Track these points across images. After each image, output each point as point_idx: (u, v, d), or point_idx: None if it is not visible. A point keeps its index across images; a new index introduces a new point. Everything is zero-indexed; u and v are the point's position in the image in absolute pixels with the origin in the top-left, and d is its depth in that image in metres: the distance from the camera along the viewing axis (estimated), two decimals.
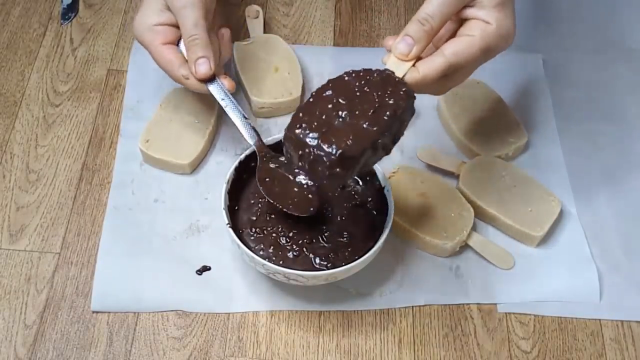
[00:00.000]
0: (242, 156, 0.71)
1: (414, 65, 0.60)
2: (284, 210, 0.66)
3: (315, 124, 0.58)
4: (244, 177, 0.72)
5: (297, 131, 0.58)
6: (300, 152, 0.58)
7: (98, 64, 0.88)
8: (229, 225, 0.67)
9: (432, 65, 0.60)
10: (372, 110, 0.58)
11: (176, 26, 0.70)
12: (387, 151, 0.61)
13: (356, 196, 0.73)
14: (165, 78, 0.86)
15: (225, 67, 0.85)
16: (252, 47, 0.86)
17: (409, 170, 0.78)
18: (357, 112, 0.58)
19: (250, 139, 0.70)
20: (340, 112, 0.58)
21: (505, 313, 0.73)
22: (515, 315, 0.73)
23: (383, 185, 0.71)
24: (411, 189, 0.76)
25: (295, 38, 0.92)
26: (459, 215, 0.75)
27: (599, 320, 0.73)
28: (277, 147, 0.72)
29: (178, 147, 0.78)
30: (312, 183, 0.63)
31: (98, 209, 0.76)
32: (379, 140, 0.58)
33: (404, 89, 0.59)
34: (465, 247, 0.75)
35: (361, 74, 0.60)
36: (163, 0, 0.69)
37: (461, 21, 0.62)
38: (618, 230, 0.78)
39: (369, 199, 0.72)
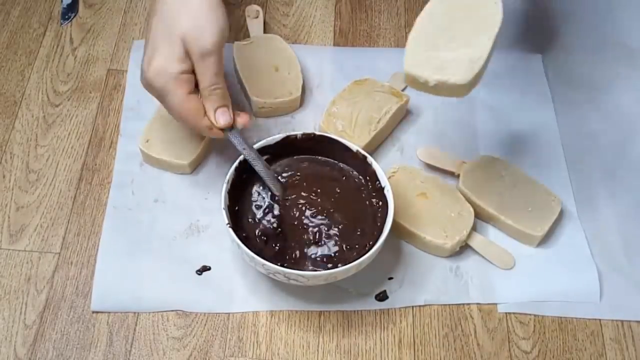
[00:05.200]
0: (242, 156, 0.71)
1: None
2: None
3: None
4: (244, 177, 0.72)
5: None
6: None
7: (98, 64, 0.88)
8: (229, 225, 0.67)
9: None
10: None
11: (194, 72, 0.65)
12: None
13: (356, 196, 0.73)
14: None
15: (226, 67, 0.85)
16: (252, 47, 0.86)
17: (409, 170, 0.78)
18: None
19: (274, 187, 0.70)
20: None
21: (505, 313, 0.73)
22: (515, 315, 0.73)
23: (383, 185, 0.71)
24: (411, 189, 0.76)
25: (295, 38, 0.92)
26: (459, 215, 0.75)
27: (599, 320, 0.73)
28: (279, 145, 0.73)
29: (178, 147, 0.78)
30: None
31: (98, 209, 0.76)
32: None
33: None
34: (465, 247, 0.75)
35: None
36: (182, 46, 0.63)
37: None
38: (618, 230, 0.78)
39: (369, 199, 0.72)
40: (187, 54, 0.64)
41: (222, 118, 0.67)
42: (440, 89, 0.61)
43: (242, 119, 0.69)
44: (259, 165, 0.70)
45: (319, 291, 0.72)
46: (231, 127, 0.68)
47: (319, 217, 0.70)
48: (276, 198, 0.71)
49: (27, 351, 0.68)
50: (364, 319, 0.72)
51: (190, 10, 0.63)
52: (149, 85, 0.65)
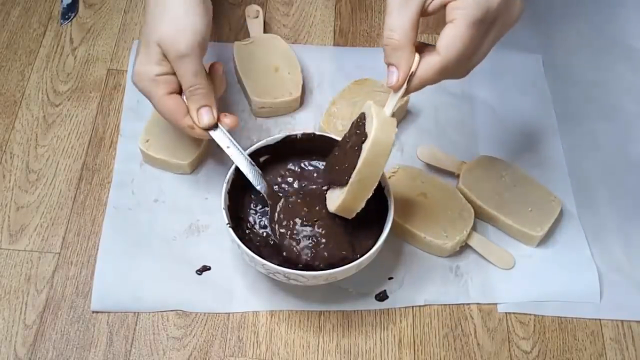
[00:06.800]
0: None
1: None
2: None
3: None
4: (244, 177, 0.72)
5: None
6: None
7: (98, 64, 0.88)
8: (229, 225, 0.67)
9: (428, 68, 0.56)
10: None
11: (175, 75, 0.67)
12: None
13: None
14: None
15: (226, 67, 0.85)
16: (252, 47, 0.86)
17: (409, 170, 0.78)
18: None
19: (258, 186, 0.69)
20: None
21: (505, 313, 0.73)
22: (515, 315, 0.73)
23: (383, 186, 0.71)
24: (411, 189, 0.76)
25: (295, 38, 0.92)
26: (459, 215, 0.75)
27: (599, 320, 0.73)
28: (279, 145, 0.73)
29: (178, 147, 0.78)
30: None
31: (98, 209, 0.76)
32: None
33: None
34: (465, 247, 0.75)
35: None
36: (159, 50, 0.66)
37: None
38: (618, 230, 0.78)
39: (369, 199, 0.72)
40: (165, 58, 0.66)
41: (204, 117, 0.67)
42: None
43: (229, 120, 0.69)
44: (245, 165, 0.69)
45: (319, 291, 0.72)
46: (215, 126, 0.68)
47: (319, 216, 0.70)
48: (260, 195, 0.70)
49: (27, 351, 0.68)
50: (364, 319, 0.72)
51: (167, 17, 0.65)
52: (135, 87, 0.68)
